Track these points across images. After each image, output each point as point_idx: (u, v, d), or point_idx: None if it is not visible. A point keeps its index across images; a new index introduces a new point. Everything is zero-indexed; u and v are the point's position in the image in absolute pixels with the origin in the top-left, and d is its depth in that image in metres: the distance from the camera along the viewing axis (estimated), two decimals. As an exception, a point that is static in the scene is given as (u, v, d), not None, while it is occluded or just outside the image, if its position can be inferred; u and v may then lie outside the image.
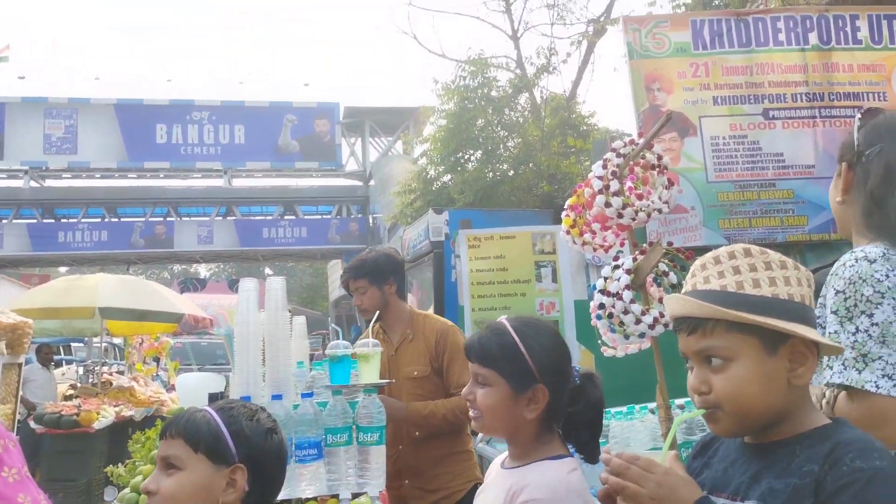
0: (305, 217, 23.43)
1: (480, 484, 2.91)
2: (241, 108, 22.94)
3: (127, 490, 2.19)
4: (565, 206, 2.59)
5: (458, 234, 4.35)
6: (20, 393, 5.88)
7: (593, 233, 2.43)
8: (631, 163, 2.35)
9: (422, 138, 14.74)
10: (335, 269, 24.49)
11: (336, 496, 2.21)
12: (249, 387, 2.36)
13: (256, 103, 23.22)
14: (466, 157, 12.86)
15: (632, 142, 2.40)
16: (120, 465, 2.53)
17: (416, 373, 2.92)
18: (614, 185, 2.24)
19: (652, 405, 2.62)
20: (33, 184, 22.07)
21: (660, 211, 2.24)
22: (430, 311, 4.58)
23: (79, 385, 8.51)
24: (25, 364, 7.35)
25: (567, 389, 1.55)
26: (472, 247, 4.16)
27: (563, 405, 1.54)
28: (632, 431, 2.39)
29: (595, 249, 2.50)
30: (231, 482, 1.31)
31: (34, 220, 21.79)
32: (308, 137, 23.22)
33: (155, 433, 2.65)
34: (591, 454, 1.56)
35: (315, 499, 2.21)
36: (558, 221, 5.33)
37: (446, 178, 13.11)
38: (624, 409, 2.46)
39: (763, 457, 1.19)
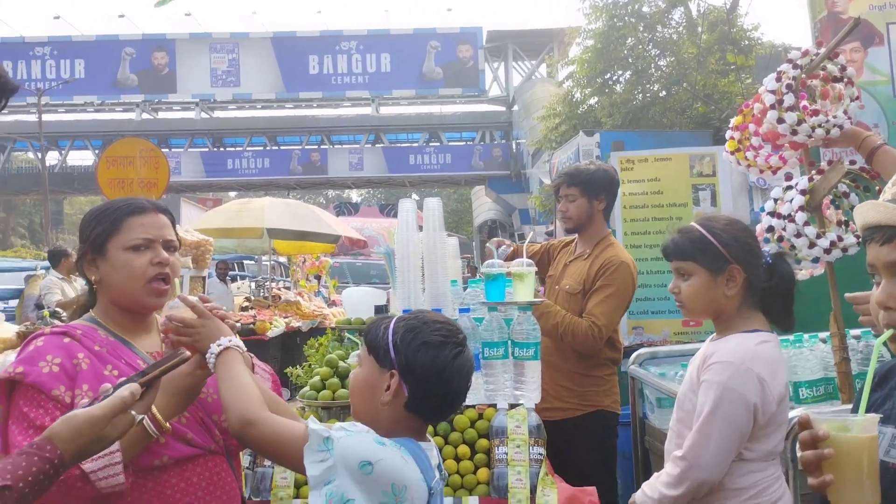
0: (450, 143, 23.71)
1: (608, 412, 2.96)
2: (387, 37, 23.25)
3: (306, 388, 2.44)
4: (729, 127, 2.45)
5: (609, 157, 4.23)
6: (205, 303, 6.57)
7: (757, 153, 2.30)
8: (805, 76, 2.17)
9: (567, 60, 14.22)
10: (479, 195, 24.74)
11: (493, 405, 2.34)
12: (410, 301, 2.51)
13: (401, 31, 23.45)
14: (614, 78, 12.32)
15: (805, 53, 2.21)
16: (298, 367, 2.80)
17: (568, 287, 2.98)
18: (789, 100, 2.09)
19: (823, 335, 2.50)
20: (203, 115, 23.90)
21: (841, 127, 2.07)
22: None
23: (252, 298, 9.39)
24: (207, 278, 8.21)
25: (760, 267, 1.78)
26: (625, 169, 4.04)
27: (758, 281, 1.77)
28: (800, 360, 2.30)
29: (762, 171, 2.37)
30: (389, 386, 1.41)
31: (206, 149, 23.73)
32: (451, 64, 23.21)
33: (326, 341, 2.90)
34: (785, 323, 1.83)
35: (474, 406, 2.35)
36: (717, 143, 5.02)
37: (593, 100, 12.67)
38: (791, 337, 2.36)
39: None
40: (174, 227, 1.71)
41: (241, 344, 1.52)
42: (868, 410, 1.19)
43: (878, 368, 1.35)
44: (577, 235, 3.18)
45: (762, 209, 2.20)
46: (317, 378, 2.45)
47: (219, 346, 1.48)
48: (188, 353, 1.36)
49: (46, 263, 8.24)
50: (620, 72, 12.23)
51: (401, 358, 1.41)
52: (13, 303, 8.73)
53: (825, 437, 1.12)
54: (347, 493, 1.29)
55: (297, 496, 2.19)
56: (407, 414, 1.42)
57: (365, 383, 1.45)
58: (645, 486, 1.87)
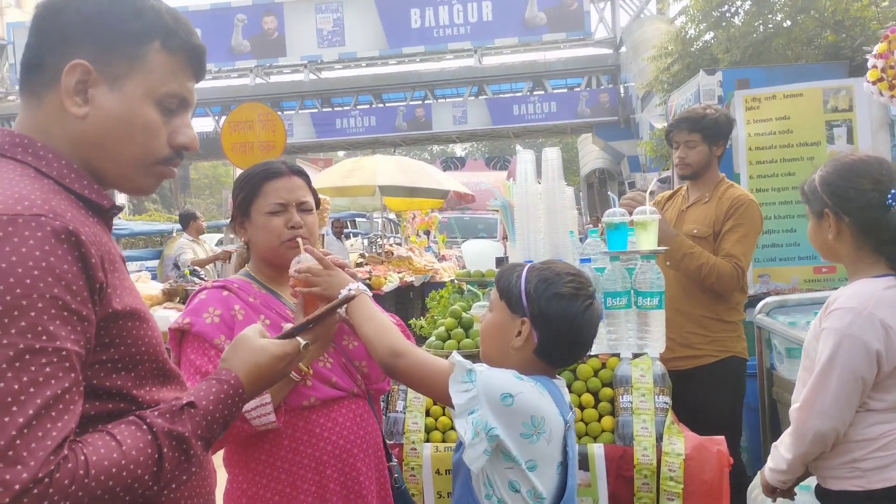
0: (554, 91, 23.12)
1: (739, 358, 2.88)
2: (488, -17, 22.76)
3: (432, 338, 2.54)
4: (871, 54, 2.27)
5: (733, 96, 4.00)
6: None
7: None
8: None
9: (680, -6, 13.45)
10: (585, 143, 24.12)
11: (617, 355, 2.34)
12: (530, 252, 2.53)
13: (502, -24, 22.86)
14: (732, 10, 11.50)
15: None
16: (420, 318, 2.91)
17: (695, 231, 2.92)
18: (946, 22, 1.90)
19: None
20: (312, 76, 24.53)
21: None
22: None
23: (366, 254, 9.73)
24: (325, 236, 8.57)
25: (867, 209, 1.71)
26: (751, 108, 3.81)
27: (871, 224, 1.71)
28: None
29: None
30: (520, 332, 1.47)
31: (315, 110, 24.42)
32: (555, 7, 22.44)
33: (447, 293, 2.99)
34: None
35: (597, 356, 2.37)
36: (853, 74, 4.64)
37: (708, 36, 11.91)
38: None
39: None
40: (310, 186, 1.81)
41: (367, 289, 1.61)
42: None
43: None
44: (682, 186, 3.10)
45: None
46: (441, 328, 2.54)
47: (348, 289, 1.56)
48: (353, 293, 1.48)
49: (179, 226, 8.87)
50: (739, 3, 11.40)
51: (533, 306, 1.46)
52: (153, 263, 9.48)
53: None
54: (490, 422, 1.36)
55: (427, 440, 2.31)
56: (535, 358, 1.48)
57: (497, 327, 1.51)
58: (769, 460, 1.86)
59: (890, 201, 1.66)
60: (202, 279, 5.92)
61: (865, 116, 3.84)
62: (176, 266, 8.20)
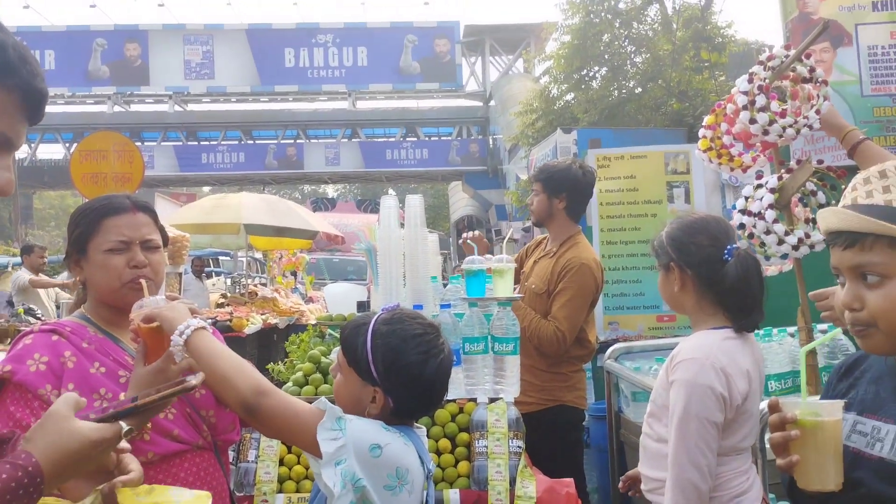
0: (426, 139, 23.69)
1: (569, 406, 2.99)
2: (364, 30, 23.15)
3: (289, 384, 2.46)
4: (702, 125, 2.52)
5: (586, 154, 4.29)
6: (181, 300, 6.53)
7: (731, 154, 2.36)
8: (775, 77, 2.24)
9: (544, 56, 14.33)
10: (456, 191, 24.79)
11: (474, 400, 2.38)
12: (392, 297, 2.54)
13: (378, 24, 23.35)
14: (591, 74, 12.42)
15: (771, 57, 2.27)
16: (280, 363, 2.82)
17: (534, 286, 3.03)
18: (760, 101, 2.15)
19: (791, 329, 2.58)
20: (177, 108, 23.60)
21: (811, 127, 2.14)
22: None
23: (228, 295, 9.33)
24: (183, 274, 8.14)
25: (707, 265, 1.82)
26: (602, 167, 4.11)
27: (710, 279, 1.82)
28: (769, 354, 2.38)
29: (733, 169, 2.44)
30: (374, 398, 1.44)
31: (180, 143, 23.45)
32: (429, 58, 23.18)
33: (307, 337, 2.92)
34: (746, 322, 1.84)
35: (454, 401, 2.39)
36: (691, 140, 5.12)
37: (569, 96, 12.77)
38: (760, 331, 2.44)
39: None
40: (157, 223, 1.71)
41: (208, 325, 1.48)
42: (832, 398, 1.26)
43: (844, 360, 1.42)
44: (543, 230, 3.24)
45: (734, 206, 2.27)
46: (300, 374, 2.47)
47: (185, 328, 1.41)
48: (194, 382, 1.23)
49: (17, 260, 8.13)
50: (597, 68, 12.34)
51: (383, 380, 1.43)
52: (-17, 299, 8.57)
53: (793, 420, 1.18)
54: (357, 473, 1.32)
55: (280, 490, 2.21)
56: (393, 417, 1.47)
57: (349, 394, 1.47)
58: None
59: (727, 255, 1.80)
60: (38, 319, 5.42)
61: (700, 179, 4.24)
62: (9, 304, 7.46)
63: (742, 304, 1.81)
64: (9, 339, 5.16)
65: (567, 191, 3.04)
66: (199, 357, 1.41)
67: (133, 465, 1.21)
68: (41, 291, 7.48)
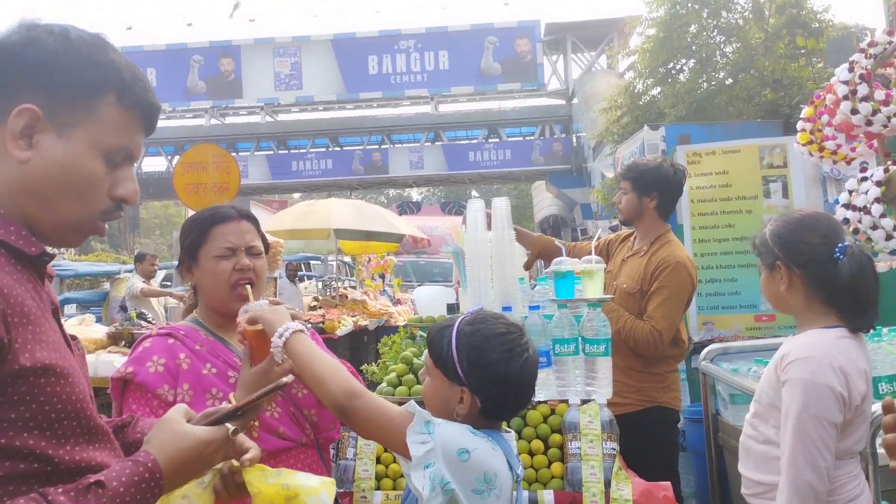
0: (509, 139, 23.64)
1: (666, 408, 2.93)
2: (445, 34, 23.35)
3: (383, 384, 2.54)
4: (801, 118, 2.42)
5: (675, 151, 4.19)
6: (277, 304, 6.80)
7: (837, 145, 2.26)
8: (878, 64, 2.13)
9: (628, 51, 13.97)
10: (539, 190, 24.59)
11: (565, 401, 2.38)
12: (480, 299, 2.57)
13: (458, 27, 23.50)
14: (678, 67, 12.03)
15: (872, 44, 2.15)
16: (372, 363, 2.91)
17: (625, 285, 2.99)
18: (862, 90, 2.05)
19: (902, 328, 2.44)
20: (268, 118, 24.56)
21: (919, 115, 2.02)
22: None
23: (320, 298, 9.64)
24: (278, 279, 8.49)
25: (816, 264, 1.77)
26: (692, 163, 3.99)
27: (821, 278, 1.77)
28: (879, 354, 2.26)
29: (835, 162, 2.33)
30: (462, 399, 1.46)
31: (271, 152, 24.38)
32: (509, 58, 23.13)
33: (399, 338, 3.00)
34: (859, 322, 1.79)
35: (545, 402, 2.40)
36: (788, 132, 4.89)
37: (655, 91, 12.42)
38: (870, 332, 2.32)
39: None
40: (259, 231, 1.82)
41: (307, 327, 1.55)
42: None
43: None
44: (634, 229, 3.19)
45: (836, 201, 2.18)
46: (393, 374, 2.55)
47: (284, 331, 1.49)
48: (285, 381, 1.31)
49: (128, 267, 8.70)
50: (684, 60, 11.94)
51: (469, 378, 1.45)
52: (99, 305, 9.21)
53: None
54: (446, 477, 1.35)
55: (377, 487, 2.29)
56: (483, 418, 1.49)
57: (437, 395, 1.50)
58: None
59: (838, 254, 1.74)
60: (150, 323, 5.79)
61: (799, 173, 4.05)
62: (123, 308, 8.01)
63: (856, 303, 1.75)
64: (123, 342, 5.54)
65: (657, 189, 2.99)
66: (296, 359, 1.49)
67: (248, 443, 1.27)
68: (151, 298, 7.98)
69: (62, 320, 1.10)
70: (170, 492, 1.09)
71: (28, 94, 1.01)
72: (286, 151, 24.78)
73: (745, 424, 1.92)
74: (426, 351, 1.57)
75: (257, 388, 1.50)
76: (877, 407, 1.85)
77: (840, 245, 1.75)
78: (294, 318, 1.58)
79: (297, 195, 28.62)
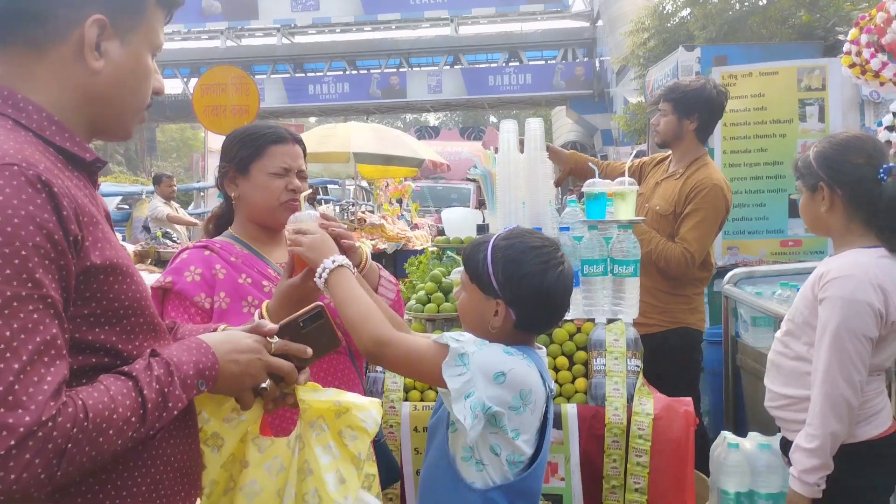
0: (530, 63, 23.07)
1: (691, 329, 2.96)
2: (466, -49, 22.48)
3: (412, 301, 2.59)
4: (847, 40, 2.34)
5: (710, 73, 4.06)
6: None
7: (883, 63, 2.19)
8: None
9: (658, -31, 13.42)
10: (559, 116, 24.16)
11: (592, 320, 2.42)
12: (511, 220, 2.58)
13: (480, -56, 22.58)
14: (710, -14, 11.55)
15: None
16: (400, 282, 2.95)
17: (658, 207, 2.98)
18: (917, 6, 1.97)
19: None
20: (284, 41, 24.07)
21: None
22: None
23: (339, 221, 9.67)
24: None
25: (859, 184, 1.78)
26: (728, 85, 3.86)
27: (862, 198, 1.79)
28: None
29: (882, 84, 2.27)
30: (497, 312, 1.49)
31: (287, 75, 24.02)
32: (533, -23, 22.29)
33: (426, 259, 3.03)
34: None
35: (572, 321, 2.44)
36: (827, 54, 4.71)
37: (685, 12, 11.97)
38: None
39: None
40: (305, 156, 1.84)
41: (350, 263, 1.55)
42: None
43: None
44: (670, 152, 3.14)
45: (880, 123, 2.13)
46: (422, 293, 2.59)
47: (326, 266, 1.50)
48: (321, 305, 1.34)
49: (150, 188, 8.75)
50: (716, -21, 11.45)
51: (504, 290, 1.47)
52: (121, 225, 9.34)
53: None
54: (487, 402, 1.39)
55: (406, 399, 2.37)
56: (517, 332, 1.51)
57: (473, 310, 1.52)
58: (793, 471, 1.83)
59: (882, 175, 1.75)
60: (175, 241, 5.88)
61: (838, 96, 3.94)
62: (146, 228, 8.11)
63: None
64: (149, 260, 5.65)
65: (700, 111, 2.95)
66: (334, 297, 1.51)
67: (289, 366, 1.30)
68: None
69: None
70: (221, 384, 1.14)
71: (93, 4, 1.04)
72: (303, 74, 24.39)
73: (775, 342, 1.95)
74: (462, 267, 1.59)
75: (290, 299, 1.55)
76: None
77: (885, 166, 1.75)
78: (341, 238, 1.60)
79: (313, 119, 28.37)
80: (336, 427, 1.28)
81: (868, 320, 1.70)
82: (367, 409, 1.29)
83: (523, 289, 1.46)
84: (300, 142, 1.84)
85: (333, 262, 1.51)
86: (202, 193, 13.03)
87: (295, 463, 1.27)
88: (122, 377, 0.99)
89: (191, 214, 9.52)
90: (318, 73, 24.01)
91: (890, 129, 2.07)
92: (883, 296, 1.71)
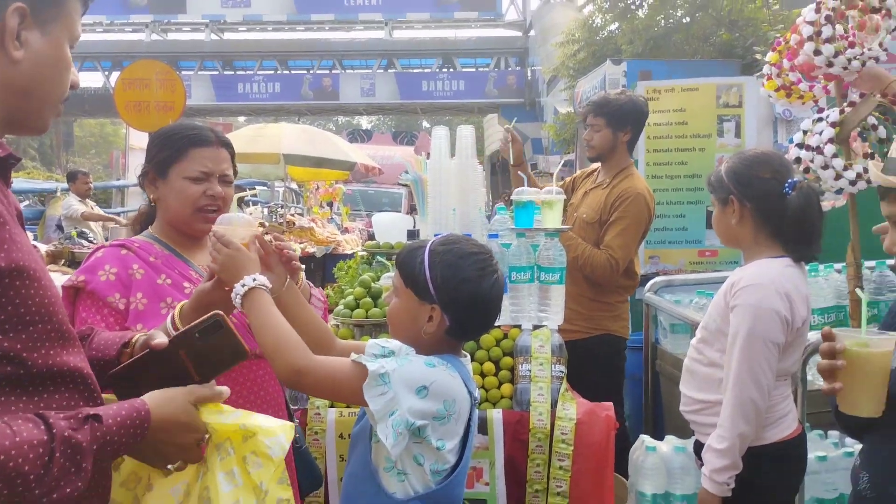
0: (463, 70, 23.24)
1: (614, 336, 3.06)
2: (401, -44, 22.48)
3: (340, 306, 2.56)
4: (766, 61, 2.46)
5: (636, 86, 4.20)
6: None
7: (801, 90, 2.31)
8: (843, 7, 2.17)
9: (588, -17, 13.77)
10: (491, 123, 24.42)
11: (518, 326, 2.45)
12: (442, 226, 2.59)
13: (416, -50, 22.63)
14: (637, 3, 11.95)
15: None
16: (322, 288, 2.92)
17: (585, 216, 3.06)
18: (826, 31, 2.09)
19: (838, 265, 2.57)
20: (213, 37, 23.44)
21: (877, 60, 2.08)
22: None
23: (267, 224, 9.49)
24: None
25: (766, 198, 1.86)
26: (651, 99, 4.01)
27: (769, 212, 1.87)
28: (815, 288, 2.39)
29: (798, 97, 2.38)
30: (431, 318, 1.48)
31: (216, 72, 23.39)
32: (467, -15, 22.48)
33: (355, 263, 3.00)
34: (804, 253, 1.90)
35: (499, 327, 2.47)
36: (745, 72, 4.94)
37: (613, 26, 12.34)
38: (807, 266, 2.44)
39: None
40: (233, 159, 1.79)
41: (267, 283, 1.49)
42: (887, 327, 1.31)
43: None
44: (599, 164, 3.23)
45: (790, 140, 2.25)
46: (350, 298, 2.57)
47: (238, 291, 1.44)
48: (220, 315, 1.25)
49: (65, 185, 8.36)
50: (643, -4, 11.86)
51: (441, 294, 1.47)
52: (33, 223, 8.88)
53: (842, 350, 1.23)
54: (410, 418, 1.38)
55: (332, 405, 2.33)
56: (447, 338, 1.51)
57: (406, 314, 1.50)
58: (705, 471, 1.89)
59: (787, 189, 1.84)
60: (90, 241, 5.62)
61: (753, 113, 4.15)
62: (59, 227, 7.74)
63: (801, 235, 1.86)
64: (63, 261, 5.38)
65: (632, 124, 3.05)
66: (251, 322, 1.45)
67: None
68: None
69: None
70: (149, 444, 1.09)
71: None
72: (232, 72, 23.80)
73: (690, 349, 2.02)
74: (394, 273, 1.57)
75: (202, 304, 1.47)
76: (812, 335, 1.98)
77: (790, 181, 1.85)
78: (295, 269, 1.54)
79: (242, 118, 27.70)
80: (241, 452, 1.19)
81: (775, 327, 1.79)
82: (274, 434, 1.19)
83: (460, 294, 1.47)
84: (227, 144, 1.76)
85: (243, 286, 1.44)
86: (122, 192, 12.52)
87: (196, 489, 1.19)
88: (39, 427, 0.93)
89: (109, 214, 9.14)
90: (248, 72, 23.48)
91: (800, 146, 2.18)
92: (789, 303, 1.81)
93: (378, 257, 2.93)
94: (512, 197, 2.54)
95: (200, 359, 1.21)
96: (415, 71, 23.76)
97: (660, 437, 2.52)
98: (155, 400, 1.10)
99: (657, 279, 3.52)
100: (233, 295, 1.45)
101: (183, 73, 21.67)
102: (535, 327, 2.43)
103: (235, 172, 1.81)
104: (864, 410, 1.26)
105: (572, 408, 2.27)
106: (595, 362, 3.00)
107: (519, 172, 2.92)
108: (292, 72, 23.69)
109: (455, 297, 1.47)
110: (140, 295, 1.63)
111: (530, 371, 2.33)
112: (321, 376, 1.41)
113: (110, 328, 1.56)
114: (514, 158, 3.10)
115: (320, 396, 1.53)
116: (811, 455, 2.19)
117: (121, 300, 1.61)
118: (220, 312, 1.25)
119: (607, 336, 3.07)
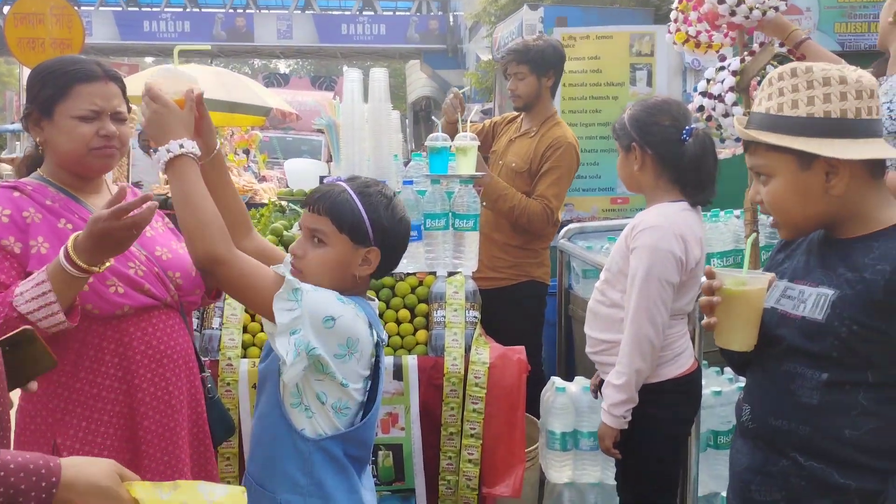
0: (384, 14, 22.66)
1: (538, 282, 3.13)
2: None
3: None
4: (674, 8, 2.49)
5: (552, 32, 4.20)
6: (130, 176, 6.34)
7: (710, 35, 2.36)
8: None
9: (510, -74, 13.55)
10: (413, 70, 24.03)
11: (433, 273, 2.46)
12: (355, 172, 2.54)
13: None
14: (558, -52, 11.89)
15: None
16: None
17: (514, 164, 3.07)
18: (730, -20, 2.13)
19: (737, 211, 2.70)
20: (115, -31, 21.88)
21: (776, 9, 2.14)
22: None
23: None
24: (131, 149, 7.89)
25: (667, 144, 1.92)
26: (567, 46, 4.00)
27: (669, 158, 1.93)
28: (715, 233, 2.50)
29: (708, 47, 2.44)
30: (366, 260, 1.48)
31: (119, 8, 21.92)
32: (388, -76, 21.76)
33: (267, 211, 2.93)
34: (700, 197, 1.98)
35: (414, 274, 2.47)
36: (659, 21, 5.01)
37: (535, -28, 12.25)
38: (709, 212, 2.55)
39: (840, 250, 1.30)
40: (125, 95, 1.67)
41: (197, 150, 1.43)
42: (769, 269, 1.39)
43: None
44: (520, 114, 3.22)
45: (695, 89, 2.30)
46: (261, 245, 2.50)
47: (169, 150, 1.37)
48: (31, 329, 1.18)
49: (-48, 128, 7.73)
50: (563, -58, 11.79)
51: (384, 236, 1.48)
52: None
53: (718, 287, 1.31)
54: (312, 342, 1.38)
55: (244, 356, 2.30)
56: (359, 280, 1.51)
57: (337, 261, 1.46)
58: (604, 405, 1.98)
59: (685, 136, 1.91)
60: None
61: (664, 62, 4.23)
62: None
63: (697, 180, 1.94)
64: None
65: (554, 68, 3.04)
66: (172, 192, 1.39)
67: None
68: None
69: None
70: None
71: None
72: (137, 9, 22.36)
73: (594, 292, 2.09)
74: (317, 220, 1.46)
75: (91, 233, 1.38)
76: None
77: (687, 128, 1.92)
78: (146, 197, 1.42)
79: (149, 59, 26.17)
80: None
81: (671, 267, 1.88)
82: None
83: (399, 233, 1.51)
84: (117, 79, 1.65)
85: (168, 152, 1.37)
86: (18, 137, 11.69)
87: None
88: None
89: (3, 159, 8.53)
90: (154, 9, 22.10)
91: (703, 94, 2.24)
92: (684, 245, 1.90)
93: (292, 205, 2.86)
94: (426, 142, 2.51)
95: (9, 370, 1.14)
96: (334, 13, 23.01)
97: (571, 379, 2.61)
98: (73, 459, 1.04)
99: (571, 226, 3.59)
100: (155, 159, 1.39)
101: (82, 8, 20.17)
102: (450, 274, 2.45)
103: (129, 108, 1.69)
104: (735, 344, 1.35)
105: (485, 352, 2.31)
106: (518, 308, 3.06)
107: (433, 117, 2.89)
108: (203, 10, 22.46)
109: (394, 236, 1.50)
110: (41, 239, 1.55)
111: (445, 317, 2.35)
112: (237, 273, 1.38)
113: (5, 272, 1.49)
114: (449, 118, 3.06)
115: (229, 291, 1.48)
116: (707, 390, 2.33)
117: (16, 244, 1.52)
118: (30, 329, 1.19)
119: (531, 282, 3.13)
